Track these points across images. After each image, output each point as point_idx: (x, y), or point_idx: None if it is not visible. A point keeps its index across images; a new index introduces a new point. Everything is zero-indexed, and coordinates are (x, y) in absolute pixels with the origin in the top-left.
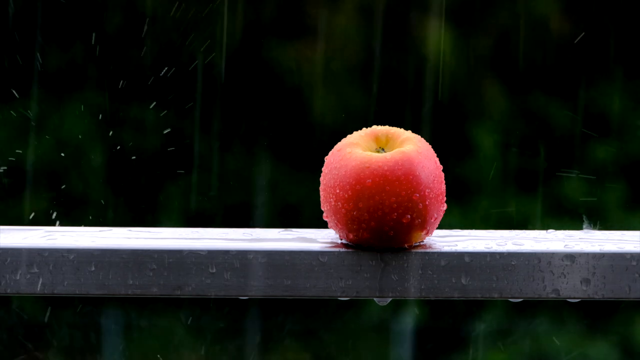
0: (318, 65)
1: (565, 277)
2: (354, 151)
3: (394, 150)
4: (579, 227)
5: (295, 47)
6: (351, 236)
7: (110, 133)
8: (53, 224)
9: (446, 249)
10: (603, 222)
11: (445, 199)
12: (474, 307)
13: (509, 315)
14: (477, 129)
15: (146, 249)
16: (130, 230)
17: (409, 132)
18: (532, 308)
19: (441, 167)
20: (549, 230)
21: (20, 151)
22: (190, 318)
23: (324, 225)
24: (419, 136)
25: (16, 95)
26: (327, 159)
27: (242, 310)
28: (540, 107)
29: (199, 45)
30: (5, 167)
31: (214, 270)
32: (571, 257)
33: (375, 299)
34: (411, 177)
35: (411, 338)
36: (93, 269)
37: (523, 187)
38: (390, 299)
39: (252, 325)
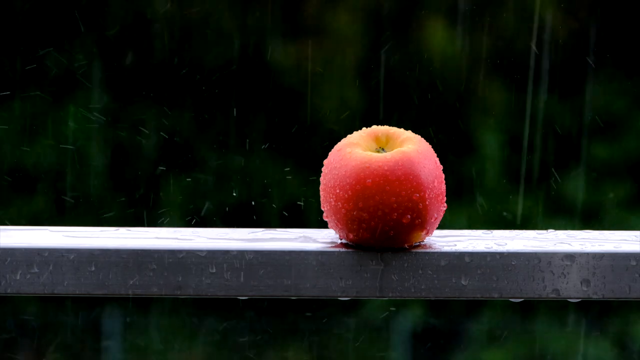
0: (318, 65)
1: (565, 277)
2: (354, 151)
3: (394, 150)
4: (580, 227)
5: (295, 47)
6: (351, 236)
7: (111, 133)
8: (53, 224)
9: (446, 249)
10: (603, 221)
11: (445, 199)
12: (473, 307)
13: (509, 315)
14: (478, 128)
15: (146, 249)
16: (130, 230)
17: (409, 132)
18: (531, 308)
19: (441, 167)
20: (549, 230)
21: (21, 151)
22: (191, 318)
23: (324, 225)
24: (419, 136)
25: (16, 95)
26: (327, 159)
27: (242, 310)
28: (541, 106)
29: (199, 45)
30: (6, 167)
31: (214, 270)
32: (571, 257)
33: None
34: (411, 177)
35: (411, 338)
36: (93, 269)
37: (524, 187)
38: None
39: (252, 325)
